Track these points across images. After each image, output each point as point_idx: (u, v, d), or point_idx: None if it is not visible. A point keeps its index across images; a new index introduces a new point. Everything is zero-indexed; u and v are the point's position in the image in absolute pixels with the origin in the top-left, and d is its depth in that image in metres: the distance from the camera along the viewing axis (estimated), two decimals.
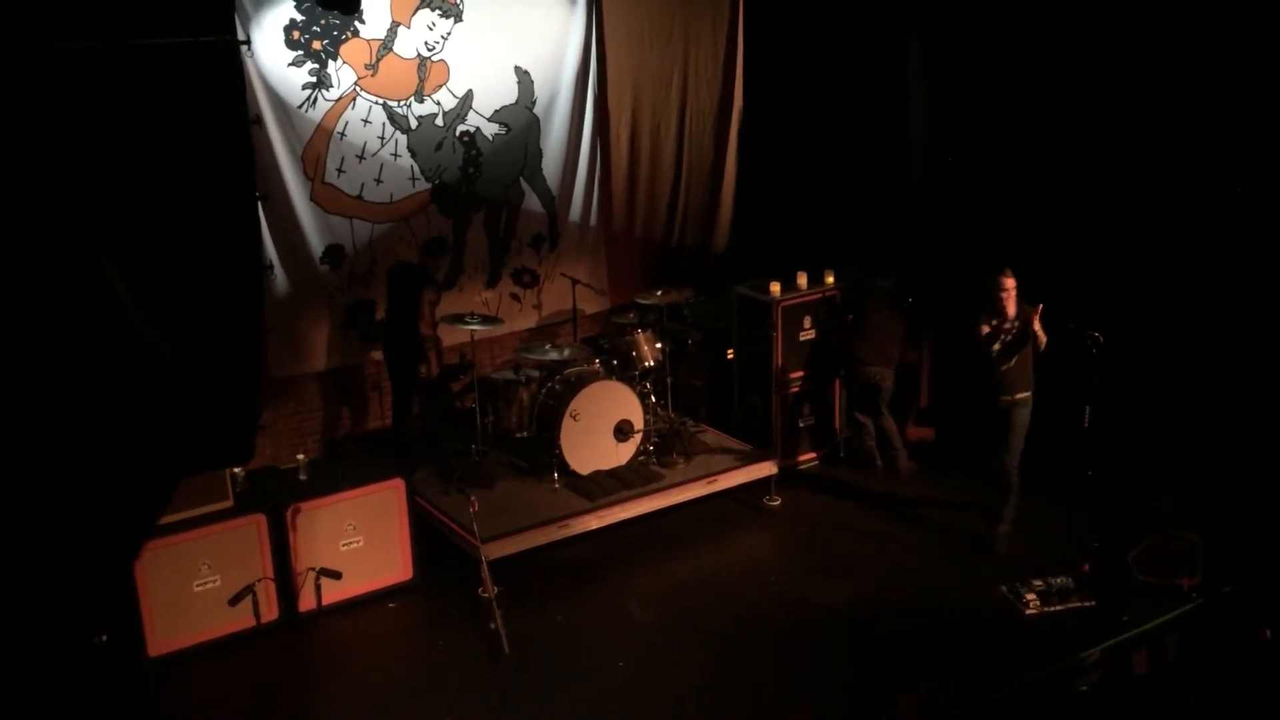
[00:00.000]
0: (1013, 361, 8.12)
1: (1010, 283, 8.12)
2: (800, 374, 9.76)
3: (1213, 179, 8.66)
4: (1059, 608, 7.63)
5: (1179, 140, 8.75)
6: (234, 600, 7.32)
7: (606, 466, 9.04)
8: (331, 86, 9.16)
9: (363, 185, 9.48)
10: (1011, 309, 8.14)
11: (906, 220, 10.51)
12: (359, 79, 9.28)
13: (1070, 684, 7.00)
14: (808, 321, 9.74)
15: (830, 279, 9.81)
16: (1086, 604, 7.64)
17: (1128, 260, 9.08)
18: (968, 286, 8.87)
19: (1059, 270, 9.10)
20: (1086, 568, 7.99)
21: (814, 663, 7.23)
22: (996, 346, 8.13)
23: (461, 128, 9.84)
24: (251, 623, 7.48)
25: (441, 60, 9.64)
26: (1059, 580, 7.84)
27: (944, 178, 10.20)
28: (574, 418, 8.81)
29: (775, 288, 9.62)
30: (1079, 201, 9.32)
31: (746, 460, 9.32)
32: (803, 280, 9.76)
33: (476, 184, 10.03)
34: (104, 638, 7.07)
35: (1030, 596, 7.70)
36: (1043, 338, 8.01)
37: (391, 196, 9.64)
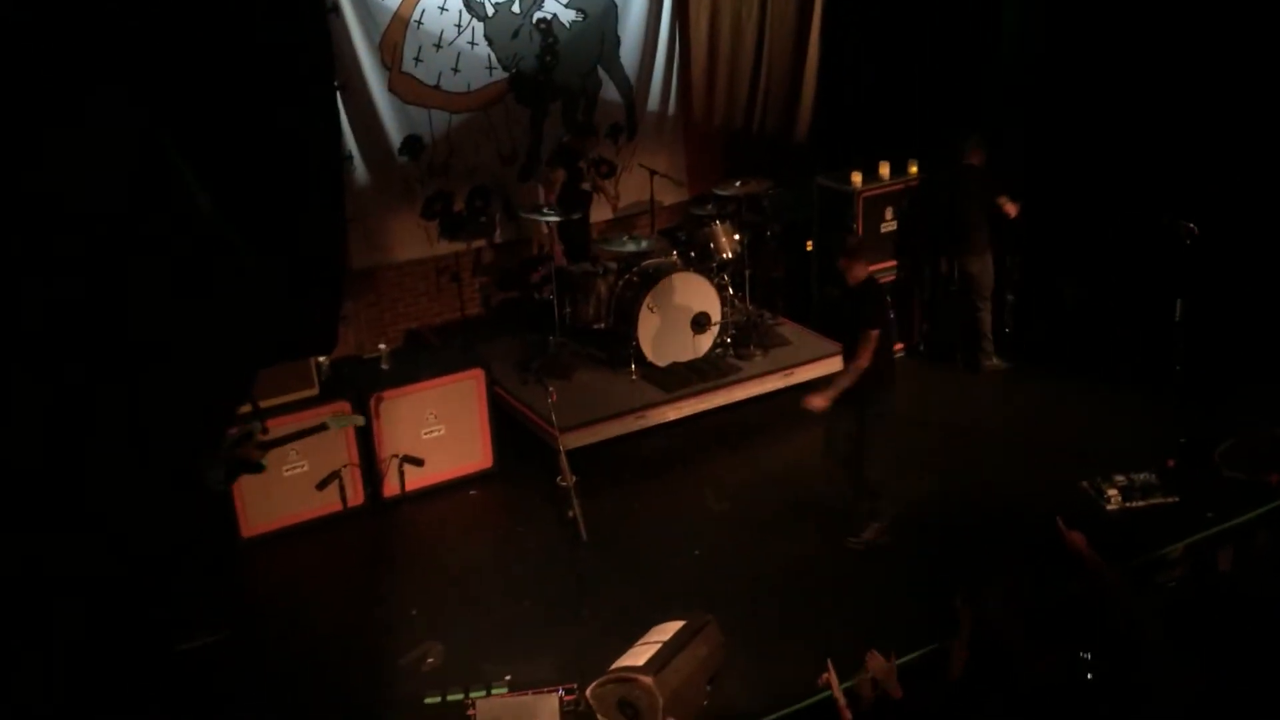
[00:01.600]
0: None
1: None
2: (881, 265, 9.62)
3: None
4: (1141, 504, 7.54)
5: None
6: (321, 485, 7.55)
7: (683, 358, 9.04)
8: None
9: (440, 74, 9.41)
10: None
11: (990, 111, 10.20)
12: None
13: (1152, 579, 6.94)
14: (889, 213, 9.55)
15: (914, 169, 9.58)
16: (1170, 500, 7.54)
17: (1222, 152, 8.74)
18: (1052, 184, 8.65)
19: (1152, 163, 8.80)
20: (1171, 463, 7.86)
21: (890, 556, 7.25)
22: None
23: (538, 14, 9.69)
24: (338, 507, 7.71)
25: None
26: (1142, 476, 7.73)
27: (1032, 68, 9.85)
28: (651, 309, 8.80)
29: (857, 178, 9.43)
30: (1174, 91, 8.96)
31: (824, 353, 9.26)
32: (885, 170, 9.55)
33: (554, 72, 9.90)
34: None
35: (1112, 492, 7.61)
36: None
37: (469, 86, 9.57)
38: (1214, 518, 7.29)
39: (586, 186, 9.56)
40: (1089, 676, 5.68)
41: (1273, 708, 5.14)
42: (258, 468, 6.71)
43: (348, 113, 9.02)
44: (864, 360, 6.96)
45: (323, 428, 7.26)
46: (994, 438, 8.51)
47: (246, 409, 7.10)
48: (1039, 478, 7.94)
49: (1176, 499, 7.54)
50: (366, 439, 7.82)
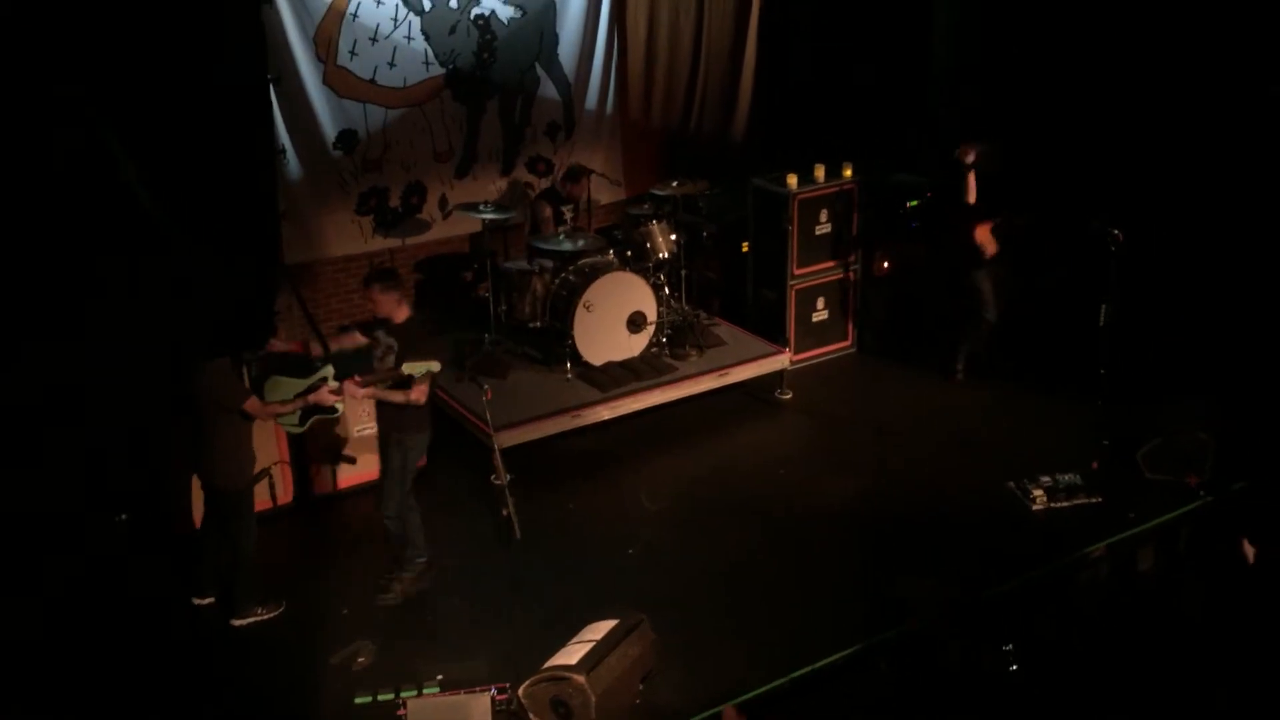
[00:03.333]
0: None
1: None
2: (818, 267, 9.71)
3: (1248, 77, 8.47)
4: (1066, 504, 7.69)
5: (1211, 36, 8.54)
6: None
7: (619, 357, 9.06)
8: None
9: (376, 69, 9.33)
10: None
11: (928, 120, 10.34)
12: None
13: (1074, 579, 7.09)
14: (824, 215, 9.65)
15: (848, 172, 9.69)
16: (1093, 501, 7.70)
17: (1152, 159, 8.94)
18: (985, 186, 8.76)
19: (1081, 166, 8.97)
20: (1095, 465, 8.02)
21: (821, 555, 7.33)
22: None
23: (476, 10, 9.63)
24: (269, 504, 7.61)
25: None
26: (1067, 477, 7.89)
27: (967, 73, 10.00)
28: (587, 308, 8.80)
29: (793, 180, 9.51)
30: (1105, 97, 9.15)
31: (759, 354, 9.33)
32: (820, 173, 9.64)
33: (491, 69, 9.86)
34: (124, 517, 7.23)
35: (1038, 492, 7.75)
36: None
37: (405, 81, 9.49)
38: (1135, 518, 7.47)
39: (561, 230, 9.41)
40: (1012, 668, 5.81)
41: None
42: (332, 410, 6.79)
43: (281, 106, 8.91)
44: (420, 396, 6.73)
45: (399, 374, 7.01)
46: (924, 439, 8.63)
47: (319, 353, 7.08)
48: (967, 478, 8.07)
49: (1100, 499, 7.70)
50: (298, 436, 7.72)
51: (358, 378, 6.72)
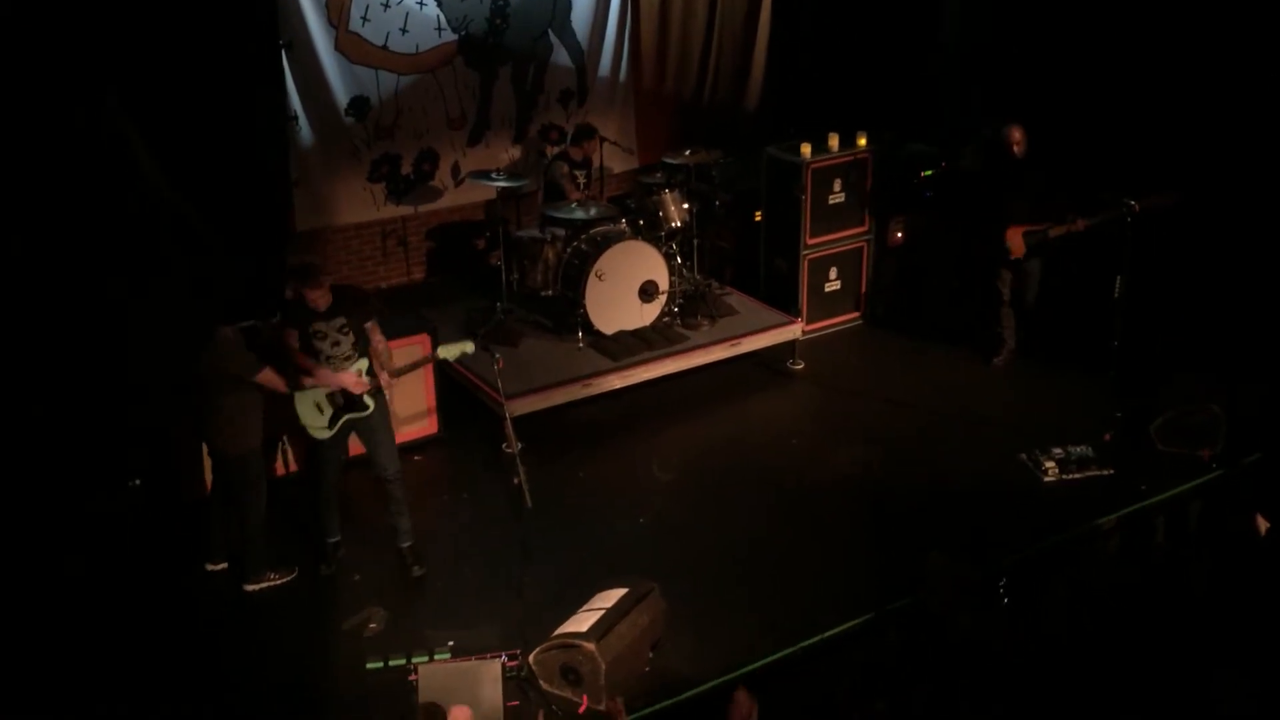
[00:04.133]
0: None
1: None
2: (832, 236, 9.67)
3: (1266, 56, 8.38)
4: (1077, 476, 7.68)
5: (1230, 10, 8.44)
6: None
7: (631, 326, 9.05)
8: None
9: (388, 35, 9.29)
10: None
11: (941, 91, 10.26)
12: None
13: (1086, 550, 7.09)
14: (838, 184, 9.59)
15: (863, 141, 9.62)
16: (1105, 473, 7.69)
17: (1171, 131, 8.86)
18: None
19: (1097, 139, 8.89)
20: (1108, 437, 8.00)
21: (831, 526, 7.33)
22: None
23: None
24: (281, 471, 7.64)
25: None
26: (1079, 449, 7.87)
27: (981, 42, 9.91)
28: (599, 277, 8.78)
29: (806, 149, 9.45)
30: (1123, 67, 9.06)
31: (771, 324, 9.31)
32: (834, 142, 9.58)
33: (504, 36, 9.81)
34: (137, 482, 7.27)
35: (1049, 464, 7.74)
36: None
37: (417, 47, 9.45)
38: (1147, 490, 7.46)
39: (578, 196, 9.35)
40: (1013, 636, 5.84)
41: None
42: (364, 407, 6.70)
43: (293, 72, 8.89)
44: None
45: (433, 358, 7.09)
46: (936, 410, 8.61)
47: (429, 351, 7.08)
48: (980, 450, 8.06)
49: (1112, 471, 7.69)
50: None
51: (384, 372, 6.69)
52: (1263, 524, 5.94)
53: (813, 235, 9.60)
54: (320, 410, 6.67)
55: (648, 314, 9.12)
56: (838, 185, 9.60)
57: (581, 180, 9.36)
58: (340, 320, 6.56)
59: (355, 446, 7.99)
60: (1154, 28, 8.85)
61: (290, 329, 6.59)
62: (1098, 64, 9.14)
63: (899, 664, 6.05)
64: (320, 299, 6.51)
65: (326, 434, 6.74)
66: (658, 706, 5.87)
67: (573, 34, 10.14)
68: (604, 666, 5.73)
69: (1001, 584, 6.42)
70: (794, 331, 9.32)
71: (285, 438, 7.68)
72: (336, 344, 6.56)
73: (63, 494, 6.96)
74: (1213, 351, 8.49)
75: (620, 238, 8.91)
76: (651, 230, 9.19)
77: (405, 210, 9.81)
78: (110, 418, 7.16)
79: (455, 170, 9.92)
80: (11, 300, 6.74)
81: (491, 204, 9.41)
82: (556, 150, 10.09)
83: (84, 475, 7.08)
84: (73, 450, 7.01)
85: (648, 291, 9.04)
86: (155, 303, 7.03)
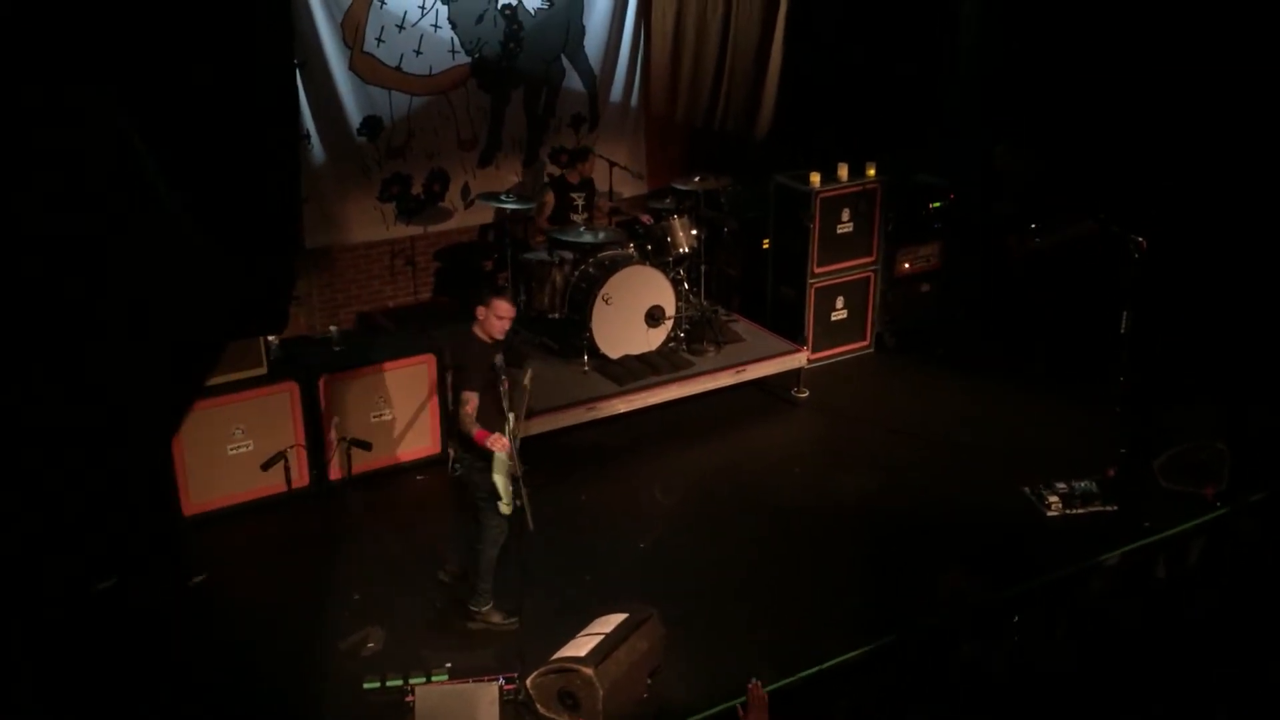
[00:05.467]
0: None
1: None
2: (839, 265, 9.68)
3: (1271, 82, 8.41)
4: (1081, 511, 7.66)
5: (1237, 41, 8.48)
6: (266, 465, 7.46)
7: (636, 351, 9.05)
8: None
9: (402, 56, 9.35)
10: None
11: (951, 121, 10.30)
12: None
13: (1087, 586, 7.06)
14: (846, 214, 9.62)
15: (871, 171, 9.65)
16: (1109, 509, 7.66)
17: (1177, 167, 8.89)
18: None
19: (1106, 174, 8.91)
20: (1111, 473, 7.98)
21: (833, 555, 7.31)
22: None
23: (504, 0, 9.64)
24: (283, 488, 7.63)
25: None
26: (1083, 484, 7.85)
27: (992, 75, 9.96)
28: (606, 301, 8.80)
29: (815, 178, 9.48)
30: (1130, 104, 9.10)
31: (777, 351, 9.31)
32: (843, 172, 9.61)
33: (517, 59, 9.87)
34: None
35: (1053, 499, 7.72)
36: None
37: (430, 69, 9.51)
38: (1150, 526, 7.43)
39: (577, 218, 9.45)
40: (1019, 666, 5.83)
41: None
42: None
43: (306, 91, 8.94)
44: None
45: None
46: (942, 440, 8.60)
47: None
48: (984, 481, 8.04)
49: (1116, 507, 7.66)
50: (314, 420, 7.75)
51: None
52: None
53: (820, 264, 9.61)
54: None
55: (654, 339, 9.13)
56: (846, 215, 9.62)
57: (579, 203, 9.40)
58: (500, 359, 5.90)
59: (360, 463, 7.96)
60: (1165, 56, 8.88)
61: (475, 372, 5.72)
62: (1109, 93, 9.18)
63: (898, 688, 6.03)
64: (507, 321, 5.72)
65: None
66: None
67: (585, 59, 10.20)
68: (602, 692, 5.71)
69: (1015, 619, 6.40)
70: (799, 360, 9.33)
71: (289, 453, 7.67)
72: (513, 387, 5.71)
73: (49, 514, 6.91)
74: (1220, 384, 8.48)
75: (628, 262, 8.93)
76: (659, 255, 9.21)
77: (415, 230, 9.84)
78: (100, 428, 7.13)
79: (465, 191, 9.96)
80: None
81: (501, 225, 9.45)
82: (557, 175, 10.14)
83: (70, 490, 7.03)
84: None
85: (654, 316, 9.06)
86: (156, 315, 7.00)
